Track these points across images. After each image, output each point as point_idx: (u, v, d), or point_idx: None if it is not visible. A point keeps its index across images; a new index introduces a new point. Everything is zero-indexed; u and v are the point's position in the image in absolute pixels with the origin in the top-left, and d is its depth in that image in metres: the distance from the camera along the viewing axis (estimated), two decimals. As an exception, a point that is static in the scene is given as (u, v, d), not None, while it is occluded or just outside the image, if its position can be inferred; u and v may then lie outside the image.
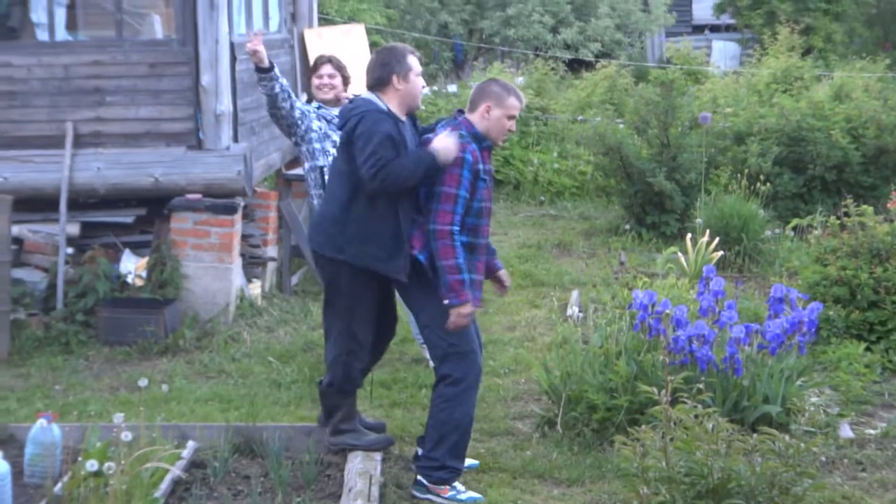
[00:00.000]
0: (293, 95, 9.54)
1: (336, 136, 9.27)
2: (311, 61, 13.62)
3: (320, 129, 9.50)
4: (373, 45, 18.27)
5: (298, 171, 12.58)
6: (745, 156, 14.86)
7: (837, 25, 30.64)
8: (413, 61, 7.27)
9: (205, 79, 10.70)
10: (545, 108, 18.98)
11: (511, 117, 7.29)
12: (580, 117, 18.36)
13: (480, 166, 7.06)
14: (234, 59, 11.01)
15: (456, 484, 7.24)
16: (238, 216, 10.86)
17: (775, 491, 5.77)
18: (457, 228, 6.91)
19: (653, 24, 29.47)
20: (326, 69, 9.70)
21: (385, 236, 7.01)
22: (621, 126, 15.90)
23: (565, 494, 7.34)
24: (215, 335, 10.41)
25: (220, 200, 10.73)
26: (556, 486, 7.47)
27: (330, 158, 9.32)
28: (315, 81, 9.73)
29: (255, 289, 11.42)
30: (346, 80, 9.80)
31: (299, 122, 9.46)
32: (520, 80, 20.36)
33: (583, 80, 21.12)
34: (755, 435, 6.13)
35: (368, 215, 7.02)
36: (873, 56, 25.18)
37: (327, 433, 7.45)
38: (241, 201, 10.95)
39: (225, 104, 10.80)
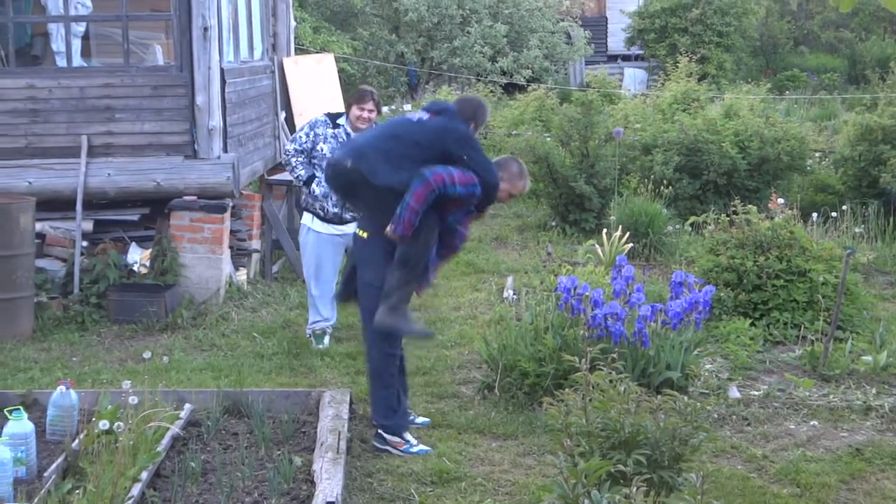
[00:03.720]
0: (310, 157, 9.43)
1: None
2: (290, 84, 13.67)
3: (321, 150, 9.36)
4: (341, 71, 18.20)
5: (278, 176, 12.57)
6: (651, 164, 14.92)
7: (728, 56, 30.81)
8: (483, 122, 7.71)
9: (199, 99, 10.64)
10: (485, 124, 18.95)
11: (512, 195, 7.47)
12: (514, 132, 18.35)
13: (474, 203, 7.14)
14: (223, 82, 10.94)
15: (409, 438, 7.24)
16: (227, 214, 10.81)
17: (676, 442, 5.79)
18: (438, 192, 6.83)
19: (575, 54, 29.51)
20: (370, 105, 9.36)
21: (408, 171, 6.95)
22: (548, 139, 15.90)
23: (502, 446, 7.35)
24: (208, 315, 10.36)
25: (212, 201, 10.67)
26: (495, 439, 7.48)
27: None
28: (356, 112, 9.33)
29: (242, 276, 11.37)
30: (379, 112, 9.62)
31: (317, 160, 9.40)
32: (464, 100, 20.29)
33: (516, 100, 21.10)
34: (659, 396, 6.15)
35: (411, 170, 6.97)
36: (757, 81, 25.32)
37: (382, 310, 7.05)
38: (229, 202, 10.89)
39: (216, 120, 10.74)
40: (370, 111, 9.36)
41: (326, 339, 9.60)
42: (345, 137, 9.31)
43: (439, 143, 7.04)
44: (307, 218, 9.49)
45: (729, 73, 30.31)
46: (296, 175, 9.53)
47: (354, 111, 9.36)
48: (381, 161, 7.00)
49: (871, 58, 32.00)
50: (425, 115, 7.31)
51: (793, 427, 7.84)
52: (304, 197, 9.65)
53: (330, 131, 9.40)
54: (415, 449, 7.19)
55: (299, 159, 9.45)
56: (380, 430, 7.26)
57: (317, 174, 9.34)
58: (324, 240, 9.40)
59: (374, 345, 7.23)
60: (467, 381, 8.73)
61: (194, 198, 10.68)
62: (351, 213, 9.19)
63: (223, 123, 10.92)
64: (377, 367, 7.27)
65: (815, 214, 13.22)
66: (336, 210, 9.26)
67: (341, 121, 9.46)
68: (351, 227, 9.17)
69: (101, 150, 10.70)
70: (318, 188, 9.32)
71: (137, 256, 10.62)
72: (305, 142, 9.44)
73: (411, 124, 7.32)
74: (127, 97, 10.75)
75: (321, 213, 9.36)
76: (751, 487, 6.73)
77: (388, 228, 6.89)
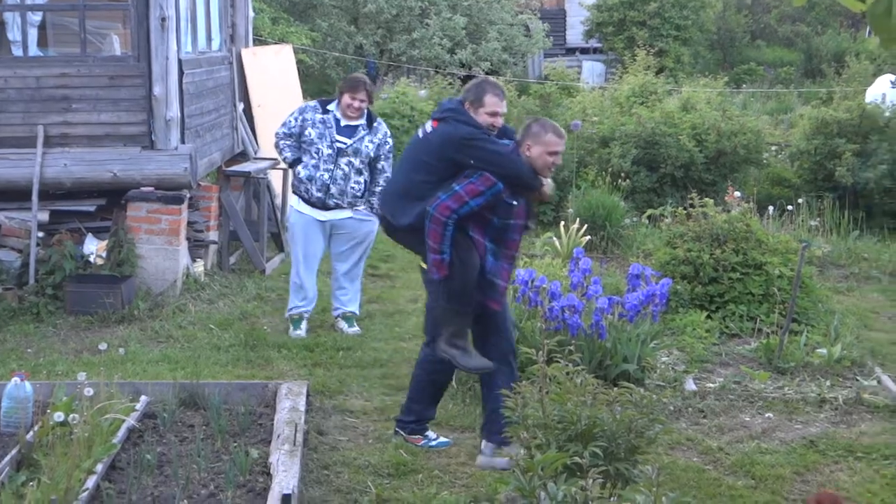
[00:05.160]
0: (299, 142, 9.47)
1: (337, 136, 9.34)
2: (248, 75, 13.60)
3: (309, 134, 9.38)
4: (299, 62, 18.12)
5: (236, 168, 12.52)
6: (609, 157, 14.98)
7: (685, 49, 30.99)
8: (488, 99, 6.97)
9: (156, 89, 10.57)
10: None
11: (552, 153, 6.77)
12: (473, 124, 18.31)
13: (505, 196, 6.69)
14: (181, 73, 10.86)
15: (428, 433, 7.22)
16: (184, 206, 10.75)
17: (632, 435, 5.80)
18: (452, 221, 6.58)
19: (533, 47, 29.56)
20: (361, 94, 9.36)
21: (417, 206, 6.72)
22: (507, 131, 15.89)
23: (459, 438, 7.34)
24: (165, 306, 10.30)
25: (169, 192, 10.61)
26: (452, 431, 7.47)
27: (326, 148, 9.30)
28: (347, 100, 9.34)
29: (199, 267, 11.31)
30: (371, 102, 9.57)
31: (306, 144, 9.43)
32: (422, 93, 20.32)
33: (475, 92, 21.07)
34: (616, 388, 6.15)
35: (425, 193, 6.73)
36: (714, 74, 25.48)
37: (440, 341, 6.86)
38: (187, 193, 10.83)
39: (174, 111, 10.67)
40: (361, 101, 9.39)
41: (303, 326, 9.63)
42: (333, 123, 9.38)
43: (446, 156, 6.74)
44: (294, 200, 9.66)
45: (686, 66, 30.49)
46: (283, 157, 9.67)
47: (346, 99, 9.39)
48: (397, 200, 6.87)
49: (826, 52, 32.28)
50: (429, 127, 7.00)
51: (748, 419, 7.88)
52: (291, 180, 9.79)
53: (318, 116, 9.44)
54: (433, 443, 7.18)
55: (287, 142, 9.54)
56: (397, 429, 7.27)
57: (303, 158, 9.43)
58: (307, 222, 9.48)
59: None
60: (425, 373, 8.71)
61: (151, 189, 10.61)
62: (335, 201, 9.37)
63: (181, 114, 10.86)
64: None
65: (771, 207, 13.31)
66: (319, 195, 9.36)
67: (331, 107, 9.49)
68: (335, 215, 9.29)
69: (58, 141, 10.61)
70: (303, 171, 9.42)
71: (94, 247, 10.55)
72: (294, 126, 9.51)
73: (418, 143, 7.03)
74: (84, 87, 10.66)
75: (305, 196, 9.44)
76: (706, 479, 6.76)
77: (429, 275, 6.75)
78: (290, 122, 9.55)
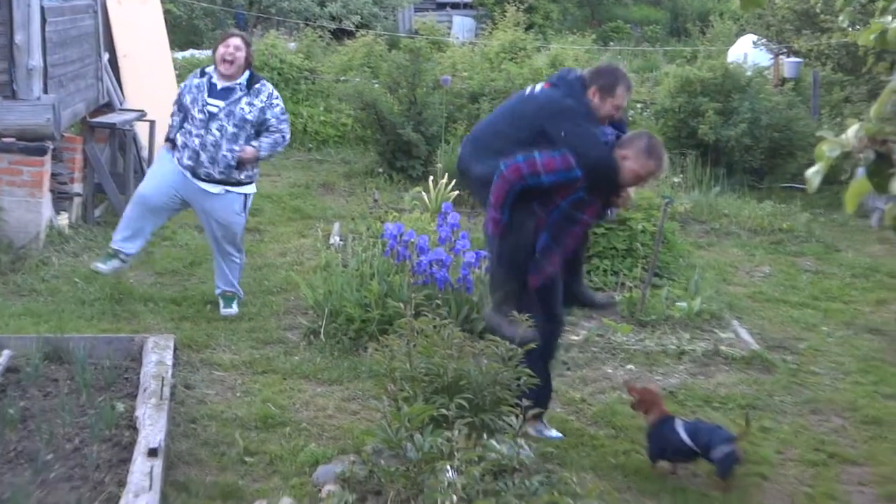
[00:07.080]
0: (180, 113, 8.88)
1: (209, 100, 8.71)
2: (114, 25, 13.34)
3: (186, 100, 8.77)
4: (167, 12, 17.81)
5: (101, 119, 12.30)
6: (479, 112, 15.04)
7: (554, 6, 31.20)
8: (620, 91, 6.52)
9: (18, 38, 10.31)
10: (313, 69, 18.81)
11: (640, 177, 6.41)
12: (342, 78, 18.27)
13: (580, 186, 6.30)
14: (44, 21, 10.60)
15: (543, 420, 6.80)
16: (48, 157, 10.54)
17: (497, 387, 5.89)
18: (518, 186, 6.23)
19: (404, 1, 29.47)
20: (235, 41, 8.75)
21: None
22: (377, 86, 15.89)
23: (327, 391, 7.38)
24: (28, 259, 10.09)
25: (31, 143, 10.38)
26: (320, 385, 7.51)
27: (197, 112, 8.70)
28: (221, 51, 8.73)
29: (63, 220, 11.11)
30: (248, 45, 8.86)
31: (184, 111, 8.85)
32: (292, 45, 20.16)
33: (345, 46, 21.00)
34: (482, 341, 6.23)
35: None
36: (582, 32, 25.70)
37: (487, 308, 6.58)
38: (50, 144, 10.61)
39: (36, 60, 10.43)
40: (235, 48, 8.73)
41: (111, 263, 9.10)
42: (206, 87, 8.79)
43: (539, 121, 6.36)
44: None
45: (555, 23, 30.69)
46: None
47: (219, 51, 8.79)
48: (475, 149, 6.56)
49: (692, 11, 32.78)
50: (538, 87, 6.64)
51: (610, 371, 8.06)
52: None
53: (196, 81, 8.85)
54: (548, 433, 6.79)
55: (173, 119, 8.98)
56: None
57: (185, 124, 8.83)
58: (172, 170, 8.86)
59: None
60: (293, 326, 8.73)
61: (13, 139, 10.38)
62: (205, 171, 8.74)
63: (43, 63, 10.61)
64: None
65: (635, 164, 13.49)
66: (189, 163, 8.74)
67: (209, 69, 8.91)
68: (202, 186, 8.75)
69: (-86, 89, 10.32)
70: (180, 138, 8.84)
71: (-47, 199, 10.32)
72: (183, 93, 8.90)
73: (522, 98, 6.69)
74: (-59, 34, 10.36)
75: (178, 160, 8.86)
76: (569, 429, 6.91)
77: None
78: (181, 89, 8.97)
